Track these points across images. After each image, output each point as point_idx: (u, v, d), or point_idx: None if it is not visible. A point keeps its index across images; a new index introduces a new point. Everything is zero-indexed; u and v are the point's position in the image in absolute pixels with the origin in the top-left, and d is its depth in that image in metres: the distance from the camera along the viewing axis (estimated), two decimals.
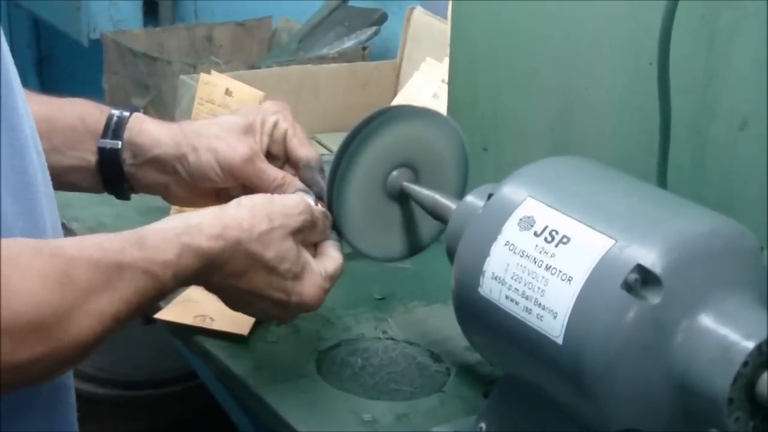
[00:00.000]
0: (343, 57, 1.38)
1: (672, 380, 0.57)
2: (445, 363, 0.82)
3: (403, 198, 0.76)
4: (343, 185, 0.73)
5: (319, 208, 0.72)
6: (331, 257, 0.71)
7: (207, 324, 0.83)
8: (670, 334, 0.56)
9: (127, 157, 0.76)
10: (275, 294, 0.68)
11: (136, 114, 0.78)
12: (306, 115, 1.02)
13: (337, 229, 0.74)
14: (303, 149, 0.78)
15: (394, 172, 0.75)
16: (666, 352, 0.56)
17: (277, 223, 0.66)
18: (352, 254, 0.76)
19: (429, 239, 0.79)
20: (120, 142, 0.76)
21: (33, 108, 0.69)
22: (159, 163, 0.77)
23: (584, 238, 0.59)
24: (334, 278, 0.71)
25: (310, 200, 0.73)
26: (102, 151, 0.76)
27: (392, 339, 0.85)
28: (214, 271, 0.64)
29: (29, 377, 0.55)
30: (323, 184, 0.75)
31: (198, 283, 0.66)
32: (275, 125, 0.78)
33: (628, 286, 0.56)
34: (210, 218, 0.64)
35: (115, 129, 0.76)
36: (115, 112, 0.77)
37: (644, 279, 0.56)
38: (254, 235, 0.65)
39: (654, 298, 0.56)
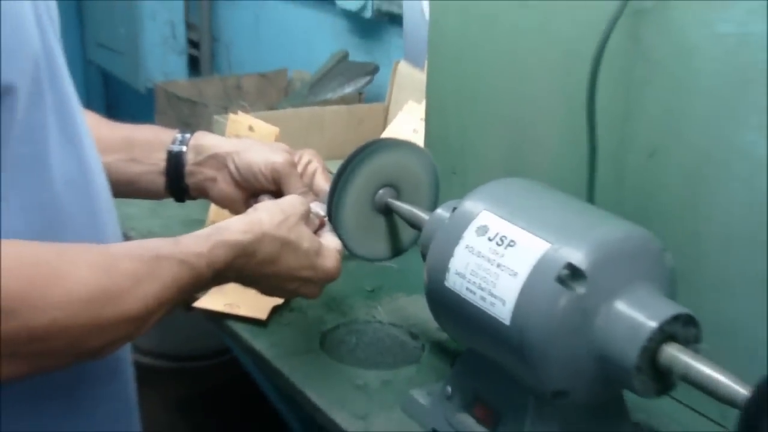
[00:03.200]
0: (343, 100, 1.39)
1: (594, 352, 0.57)
2: (421, 341, 0.82)
3: (387, 211, 0.76)
4: (340, 200, 0.73)
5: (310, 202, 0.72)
6: (333, 237, 0.71)
7: (234, 310, 0.84)
8: (593, 316, 0.57)
9: (190, 156, 0.76)
10: (304, 272, 0.66)
11: (200, 131, 0.79)
12: (313, 146, 1.03)
13: (336, 234, 0.73)
14: (323, 183, 0.78)
15: (381, 191, 0.75)
16: (589, 331, 0.57)
17: (289, 213, 0.66)
18: (347, 255, 0.76)
19: (408, 243, 0.79)
20: (185, 147, 0.76)
21: (118, 132, 0.74)
22: (215, 159, 0.76)
23: (527, 242, 0.60)
24: (341, 252, 0.70)
25: (322, 211, 0.73)
26: (170, 154, 0.76)
27: (380, 322, 0.85)
28: (247, 260, 0.62)
29: (88, 349, 0.53)
30: None
31: (233, 273, 0.63)
32: (309, 162, 0.79)
33: (561, 280, 0.57)
34: (236, 220, 0.64)
35: (181, 140, 0.77)
36: (180, 134, 0.78)
37: (573, 274, 0.57)
38: (275, 224, 0.64)
39: (580, 289, 0.57)
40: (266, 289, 0.69)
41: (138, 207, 1.03)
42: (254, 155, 0.76)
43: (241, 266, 0.63)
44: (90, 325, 0.52)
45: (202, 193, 0.79)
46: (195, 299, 0.85)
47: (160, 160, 0.76)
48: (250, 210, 0.67)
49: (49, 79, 0.55)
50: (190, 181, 0.78)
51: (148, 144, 0.76)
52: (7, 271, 0.47)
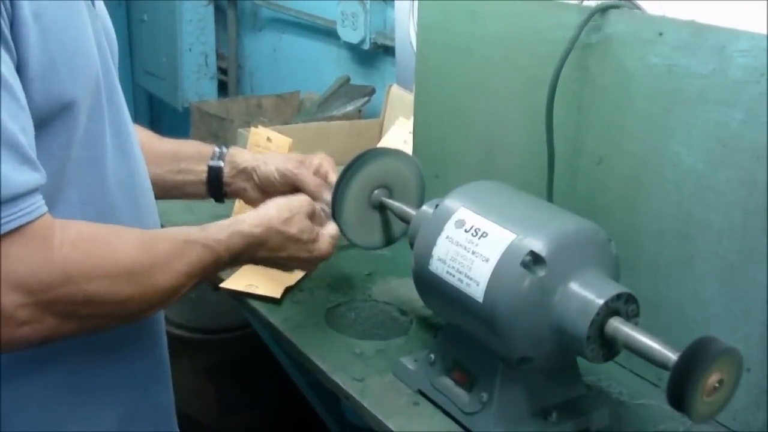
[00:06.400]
0: (345, 117, 1.38)
1: (552, 325, 0.57)
2: (409, 316, 0.81)
3: (381, 207, 0.76)
4: (342, 198, 0.73)
5: (316, 203, 0.73)
6: (332, 226, 0.72)
7: (253, 290, 0.83)
8: (551, 295, 0.57)
9: (227, 170, 0.79)
10: (303, 254, 0.68)
11: (233, 147, 0.81)
12: None
13: (338, 227, 0.73)
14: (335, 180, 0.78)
15: (376, 191, 0.75)
16: (548, 307, 0.57)
17: (296, 211, 0.67)
18: (349, 244, 0.76)
19: (399, 235, 0.79)
20: (222, 163, 0.79)
21: (166, 146, 0.75)
22: (244, 173, 0.79)
23: (497, 233, 0.60)
24: (336, 237, 0.71)
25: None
26: (210, 168, 0.78)
27: (375, 300, 0.85)
28: (259, 248, 0.64)
29: (129, 312, 0.54)
30: None
31: (247, 259, 0.65)
32: (320, 164, 0.79)
33: (524, 264, 0.56)
34: (251, 215, 0.66)
35: (219, 156, 0.79)
36: (218, 148, 0.80)
37: (535, 260, 0.57)
38: (282, 221, 0.66)
39: (541, 272, 0.56)
40: (273, 267, 0.70)
41: (175, 204, 1.03)
42: (270, 168, 0.78)
43: (253, 252, 0.64)
44: (132, 292, 0.53)
45: (236, 197, 0.82)
46: (221, 281, 0.84)
47: (202, 172, 0.79)
48: (262, 205, 0.68)
49: (107, 96, 0.57)
50: (227, 189, 0.80)
51: (191, 158, 0.79)
52: (70, 245, 0.49)
